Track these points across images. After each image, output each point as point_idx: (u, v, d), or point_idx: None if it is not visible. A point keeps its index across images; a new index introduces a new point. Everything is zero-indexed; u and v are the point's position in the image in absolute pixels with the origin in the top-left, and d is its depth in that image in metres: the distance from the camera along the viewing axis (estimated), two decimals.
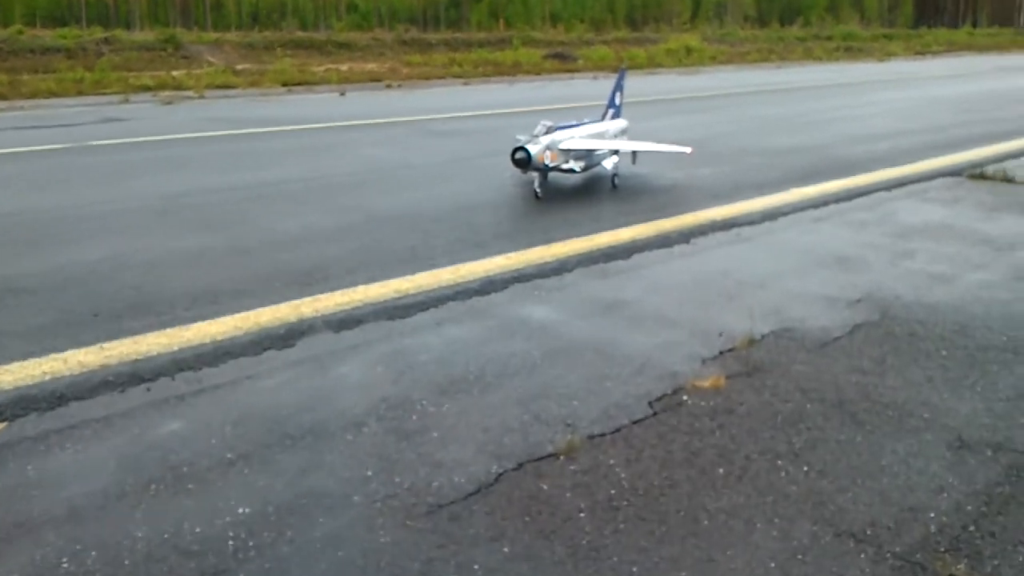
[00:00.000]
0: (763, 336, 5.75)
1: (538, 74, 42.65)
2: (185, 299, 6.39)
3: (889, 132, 16.92)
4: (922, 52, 60.05)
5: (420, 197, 10.40)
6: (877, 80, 33.30)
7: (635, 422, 4.33)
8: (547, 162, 9.92)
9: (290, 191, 10.95)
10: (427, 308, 6.13)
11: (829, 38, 73.20)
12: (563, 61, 48.66)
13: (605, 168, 10.93)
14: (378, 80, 36.24)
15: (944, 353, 5.48)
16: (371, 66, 44.68)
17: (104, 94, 28.66)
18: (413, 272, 7.04)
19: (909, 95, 26.06)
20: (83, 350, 5.13)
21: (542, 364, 5.19)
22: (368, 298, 6.38)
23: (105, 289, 6.63)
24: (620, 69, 12.36)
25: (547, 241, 8.31)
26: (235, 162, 13.52)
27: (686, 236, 8.61)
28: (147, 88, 30.35)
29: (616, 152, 10.89)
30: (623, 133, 11.94)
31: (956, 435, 4.33)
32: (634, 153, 11.26)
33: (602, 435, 4.16)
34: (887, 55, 55.70)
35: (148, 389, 4.60)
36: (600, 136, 11.15)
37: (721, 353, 5.45)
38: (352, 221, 9.19)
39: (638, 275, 7.31)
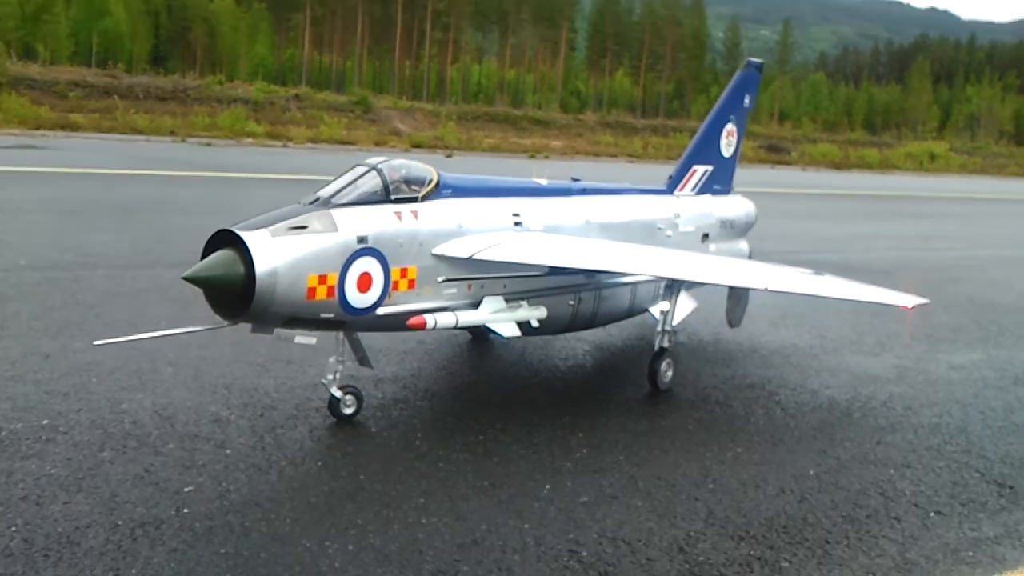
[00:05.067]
0: None
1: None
2: None
3: None
4: None
5: None
6: None
7: None
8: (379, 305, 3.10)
9: None
10: None
11: None
12: (774, 153, 41.22)
13: (654, 316, 3.88)
14: (531, 152, 30.93)
15: None
16: (556, 143, 39.39)
17: (193, 135, 24.85)
18: None
19: None
20: None
21: None
22: None
23: None
24: (746, 62, 5.13)
25: None
26: None
27: None
28: (252, 135, 26.72)
29: (684, 287, 3.78)
30: (733, 230, 4.74)
31: None
32: (738, 295, 4.00)
33: None
34: None
35: None
36: (650, 231, 4.12)
37: None
38: None
39: None
